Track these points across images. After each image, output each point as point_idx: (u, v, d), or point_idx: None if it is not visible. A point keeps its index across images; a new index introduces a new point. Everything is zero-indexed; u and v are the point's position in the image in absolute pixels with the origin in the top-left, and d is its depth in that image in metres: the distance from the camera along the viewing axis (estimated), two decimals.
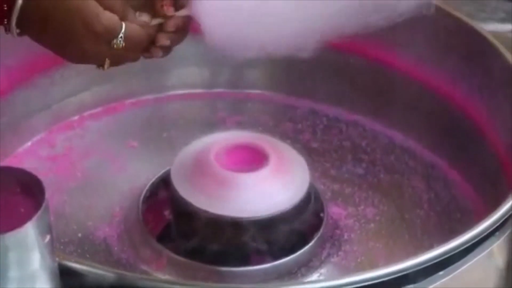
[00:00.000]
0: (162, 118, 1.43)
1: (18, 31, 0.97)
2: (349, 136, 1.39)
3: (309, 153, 1.32)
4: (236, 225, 1.10)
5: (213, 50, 1.00)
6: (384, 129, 1.39)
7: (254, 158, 1.15)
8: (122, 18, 0.98)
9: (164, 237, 1.15)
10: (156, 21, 0.99)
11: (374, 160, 1.35)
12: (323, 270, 1.14)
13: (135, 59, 1.03)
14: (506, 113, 1.20)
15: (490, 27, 1.31)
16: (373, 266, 1.14)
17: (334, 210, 1.24)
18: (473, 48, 1.26)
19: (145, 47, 1.01)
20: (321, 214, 1.18)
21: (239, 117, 1.42)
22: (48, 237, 0.77)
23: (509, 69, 1.20)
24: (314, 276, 1.13)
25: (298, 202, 1.13)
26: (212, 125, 1.36)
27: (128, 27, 0.97)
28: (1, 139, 1.29)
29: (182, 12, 0.99)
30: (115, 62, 1.01)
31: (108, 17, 0.96)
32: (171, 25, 1.00)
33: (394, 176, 1.32)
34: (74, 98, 1.40)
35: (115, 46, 0.97)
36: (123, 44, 0.97)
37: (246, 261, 1.11)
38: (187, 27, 1.01)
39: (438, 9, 1.26)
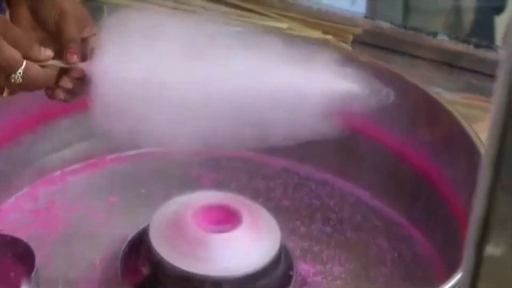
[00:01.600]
0: (140, 174, 1.44)
1: None
2: (318, 195, 1.42)
3: (280, 210, 1.35)
4: (210, 284, 1.13)
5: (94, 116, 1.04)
6: (351, 188, 1.42)
7: (227, 219, 1.18)
8: (26, 54, 1.01)
9: None
10: (55, 62, 1.04)
11: (341, 219, 1.38)
12: None
13: (33, 91, 1.06)
14: (464, 177, 1.25)
15: (449, 96, 1.37)
16: None
17: (303, 267, 1.27)
18: (434, 116, 1.31)
19: (46, 85, 1.05)
20: (291, 272, 1.20)
21: (214, 174, 1.44)
22: None
23: (466, 137, 1.25)
24: None
25: (269, 261, 1.15)
26: (188, 182, 1.38)
27: (28, 65, 1.01)
28: None
29: (81, 65, 1.04)
30: (13, 93, 1.06)
31: (10, 52, 1.00)
32: (76, 72, 1.04)
33: (360, 235, 1.35)
34: (56, 154, 1.42)
35: (12, 80, 1.01)
36: (21, 81, 1.01)
37: None
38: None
39: (402, 79, 1.34)
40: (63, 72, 1.05)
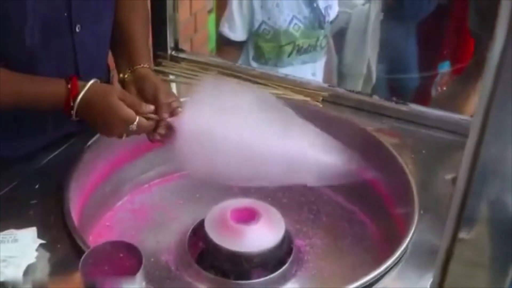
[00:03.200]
0: (196, 185, 1.39)
1: (76, 118, 1.03)
2: (305, 195, 1.37)
3: (281, 205, 1.30)
4: (242, 256, 1.11)
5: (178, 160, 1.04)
6: (325, 190, 1.36)
7: (252, 216, 1.16)
8: (138, 110, 1.02)
9: (200, 261, 1.16)
10: (155, 117, 1.05)
11: (319, 209, 1.34)
12: (294, 279, 1.15)
13: (139, 134, 1.07)
14: (394, 184, 1.23)
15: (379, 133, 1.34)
16: (323, 276, 1.16)
17: (298, 242, 1.24)
18: (373, 147, 1.28)
19: (149, 131, 1.06)
20: (291, 246, 1.18)
21: None
22: (144, 283, 0.79)
23: (393, 158, 1.24)
24: (289, 284, 1.14)
25: (278, 241, 1.13)
26: (225, 190, 1.30)
27: (140, 119, 1.03)
28: (107, 199, 1.30)
29: (171, 120, 1.05)
30: (128, 136, 1.06)
31: (128, 112, 1.01)
32: (167, 123, 1.06)
33: (331, 220, 1.32)
34: (145, 174, 1.40)
35: (130, 129, 1.02)
36: (135, 129, 1.03)
37: (248, 277, 1.11)
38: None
39: (353, 124, 1.31)
40: (158, 123, 1.06)
